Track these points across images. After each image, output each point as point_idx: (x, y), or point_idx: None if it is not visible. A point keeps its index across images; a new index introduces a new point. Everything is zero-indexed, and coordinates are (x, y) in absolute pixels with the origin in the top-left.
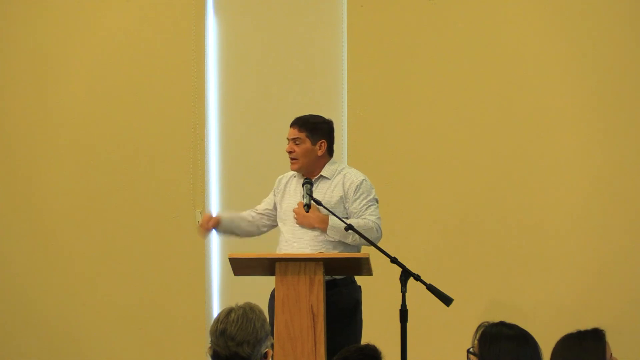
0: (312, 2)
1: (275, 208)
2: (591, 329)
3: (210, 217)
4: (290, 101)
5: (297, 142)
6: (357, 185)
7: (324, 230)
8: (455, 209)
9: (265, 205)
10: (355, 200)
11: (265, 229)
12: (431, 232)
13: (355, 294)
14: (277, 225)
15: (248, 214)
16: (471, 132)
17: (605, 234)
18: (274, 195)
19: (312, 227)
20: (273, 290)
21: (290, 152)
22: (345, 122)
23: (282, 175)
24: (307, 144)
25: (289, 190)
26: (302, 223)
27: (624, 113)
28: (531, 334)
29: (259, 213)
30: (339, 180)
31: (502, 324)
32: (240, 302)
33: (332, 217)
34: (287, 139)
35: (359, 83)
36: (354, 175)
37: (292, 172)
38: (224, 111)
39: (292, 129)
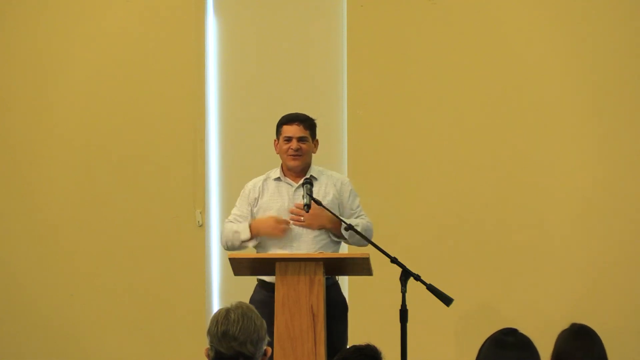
0: (312, 2)
1: (251, 215)
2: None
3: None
4: (290, 101)
5: (304, 141)
6: (347, 185)
7: (336, 230)
8: (456, 209)
9: (245, 212)
10: (349, 200)
11: None
12: (431, 232)
13: (341, 294)
14: None
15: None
16: (471, 132)
17: (605, 235)
18: (249, 204)
19: (321, 228)
20: (252, 296)
21: (296, 150)
22: (345, 122)
23: (252, 183)
24: (310, 141)
25: (271, 193)
26: (310, 224)
27: (625, 114)
28: (532, 341)
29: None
30: (326, 180)
31: (503, 332)
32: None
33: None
34: (291, 137)
35: (359, 83)
36: (341, 175)
37: (262, 176)
38: (224, 111)
39: (295, 126)
